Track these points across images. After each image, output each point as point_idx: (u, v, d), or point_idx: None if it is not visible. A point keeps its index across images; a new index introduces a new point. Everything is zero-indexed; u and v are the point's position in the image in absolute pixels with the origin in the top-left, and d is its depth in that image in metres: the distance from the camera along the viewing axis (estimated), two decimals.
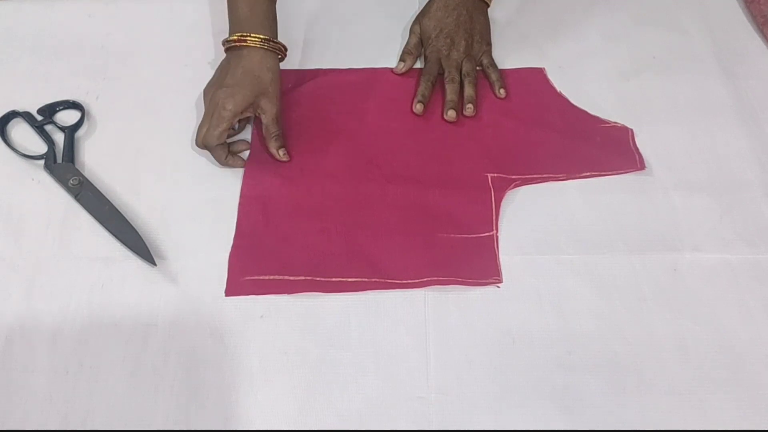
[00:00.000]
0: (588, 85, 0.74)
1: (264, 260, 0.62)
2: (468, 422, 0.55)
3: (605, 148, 0.68)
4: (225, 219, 0.64)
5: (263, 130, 0.67)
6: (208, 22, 0.78)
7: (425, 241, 0.63)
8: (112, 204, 0.64)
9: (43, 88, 0.72)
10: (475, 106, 0.70)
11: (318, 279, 0.61)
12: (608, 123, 0.70)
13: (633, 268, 0.62)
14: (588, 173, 0.67)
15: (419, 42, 0.75)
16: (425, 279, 0.60)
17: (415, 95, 0.71)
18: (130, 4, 0.80)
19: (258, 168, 0.67)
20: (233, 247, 0.62)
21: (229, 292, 0.60)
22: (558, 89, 0.73)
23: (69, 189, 0.65)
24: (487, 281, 0.60)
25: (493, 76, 0.73)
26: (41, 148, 0.68)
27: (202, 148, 0.66)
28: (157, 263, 0.61)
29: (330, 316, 0.59)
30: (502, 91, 0.72)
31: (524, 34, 0.78)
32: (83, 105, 0.71)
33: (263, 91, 0.65)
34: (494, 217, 0.64)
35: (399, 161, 0.68)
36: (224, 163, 0.66)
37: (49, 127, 0.69)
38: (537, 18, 0.80)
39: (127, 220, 0.63)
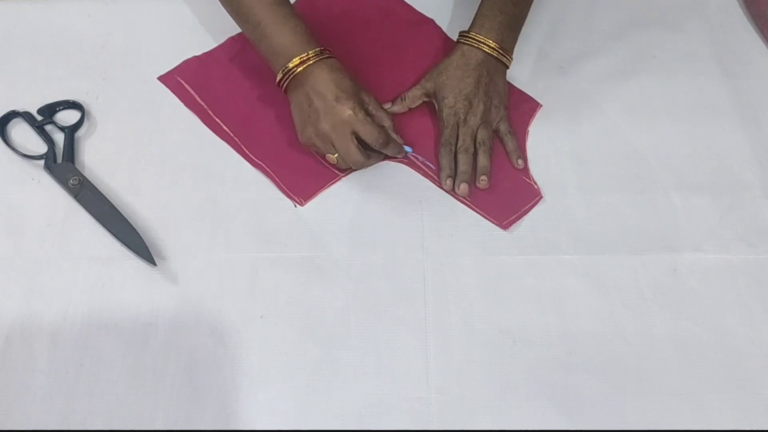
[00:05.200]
0: (588, 85, 0.74)
1: (208, 85, 0.72)
2: (468, 422, 0.55)
3: (500, 195, 0.66)
4: (225, 219, 0.64)
5: (375, 120, 0.65)
6: (208, 22, 0.78)
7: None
8: (112, 204, 0.64)
9: (43, 88, 0.72)
10: (489, 178, 0.66)
11: (234, 137, 0.69)
12: (529, 178, 0.67)
13: (633, 268, 0.62)
14: (465, 199, 0.66)
15: (424, 96, 0.70)
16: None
17: (440, 169, 0.67)
18: (130, 4, 0.80)
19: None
20: (200, 55, 0.74)
21: (161, 77, 0.73)
22: (528, 128, 0.71)
23: (69, 189, 0.65)
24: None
25: (510, 145, 0.68)
26: (41, 148, 0.68)
27: (364, 164, 0.65)
28: (157, 263, 0.61)
29: (330, 316, 0.59)
30: (520, 161, 0.67)
31: (524, 34, 0.78)
32: (83, 105, 0.71)
33: (356, 85, 0.64)
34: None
35: None
36: (399, 151, 0.66)
37: (49, 127, 0.69)
38: (537, 18, 0.80)
39: (127, 220, 0.63)
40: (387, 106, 0.71)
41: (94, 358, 0.57)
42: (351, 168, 0.66)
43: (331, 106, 0.62)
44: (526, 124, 0.71)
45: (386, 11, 0.80)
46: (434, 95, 0.70)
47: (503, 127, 0.69)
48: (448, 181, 0.66)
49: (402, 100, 0.71)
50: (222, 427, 0.54)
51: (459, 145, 0.67)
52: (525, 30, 0.78)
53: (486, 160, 0.67)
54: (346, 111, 0.62)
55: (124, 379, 0.56)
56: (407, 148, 0.67)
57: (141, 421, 0.55)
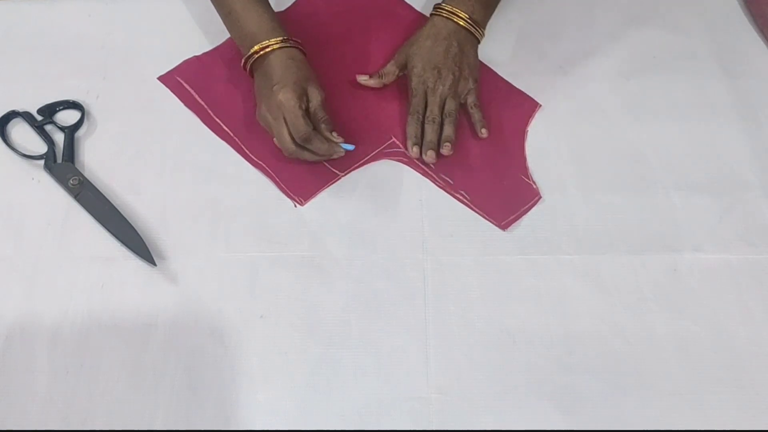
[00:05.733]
0: (588, 85, 0.74)
1: (208, 85, 0.72)
2: (468, 422, 0.55)
3: (500, 195, 0.66)
4: (225, 219, 0.64)
5: (311, 117, 0.64)
6: (209, 22, 0.78)
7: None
8: (112, 204, 0.64)
9: (43, 88, 0.72)
10: (453, 145, 0.67)
11: (234, 137, 0.69)
12: (529, 178, 0.67)
13: (633, 268, 0.62)
14: (464, 198, 0.66)
15: (397, 70, 0.71)
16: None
17: (406, 137, 0.68)
18: (130, 3, 0.80)
19: None
20: (200, 55, 0.75)
21: (161, 78, 0.73)
22: (527, 128, 0.71)
23: (69, 189, 0.65)
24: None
25: (476, 116, 0.69)
26: (41, 148, 0.68)
27: (296, 153, 0.64)
28: (157, 263, 0.61)
29: (330, 316, 0.59)
30: (484, 131, 0.68)
31: (524, 34, 0.78)
32: (83, 105, 0.71)
33: (306, 77, 0.65)
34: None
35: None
36: (327, 151, 0.65)
37: (49, 127, 0.69)
38: (537, 18, 0.80)
39: (127, 220, 0.63)
40: (363, 78, 0.72)
41: (94, 358, 0.57)
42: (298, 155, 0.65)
43: (269, 89, 0.63)
44: (526, 124, 0.71)
45: (386, 11, 0.80)
46: (405, 66, 0.71)
47: (470, 100, 0.70)
48: (414, 149, 0.67)
49: (379, 76, 0.72)
50: (222, 427, 0.54)
51: (426, 115, 0.68)
52: (525, 30, 0.78)
53: (451, 130, 0.68)
54: (278, 97, 0.62)
55: (124, 379, 0.56)
56: (348, 146, 0.65)
57: (141, 421, 0.55)
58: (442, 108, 0.69)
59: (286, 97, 0.62)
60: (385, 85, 0.72)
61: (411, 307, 0.60)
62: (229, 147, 0.69)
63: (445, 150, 0.67)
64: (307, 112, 0.64)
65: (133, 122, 0.70)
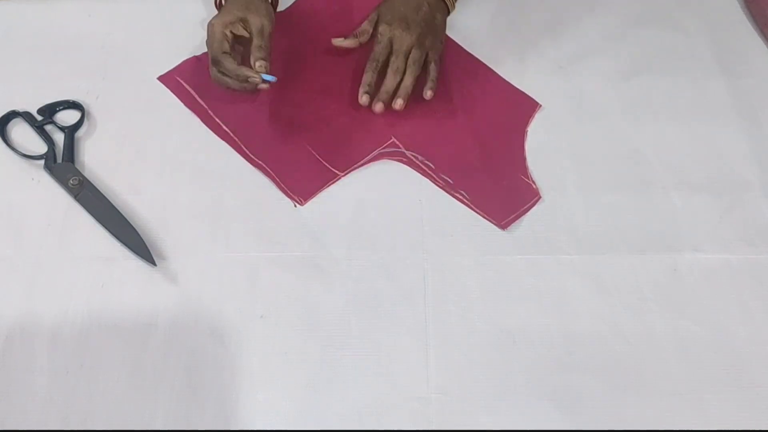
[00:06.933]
0: (588, 85, 0.74)
1: (208, 85, 0.70)
2: (468, 422, 0.55)
3: (499, 194, 0.66)
4: (225, 219, 0.64)
5: (250, 45, 0.66)
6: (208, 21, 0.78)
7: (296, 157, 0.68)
8: (112, 204, 0.64)
9: (43, 88, 0.72)
10: (406, 100, 0.67)
11: (234, 137, 0.69)
12: (528, 178, 0.67)
13: (633, 268, 0.62)
14: (464, 198, 0.66)
15: (370, 28, 0.72)
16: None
17: (360, 84, 0.68)
18: (130, 3, 0.80)
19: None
20: (200, 55, 0.74)
21: (161, 77, 0.73)
22: (527, 128, 0.71)
23: (69, 189, 0.65)
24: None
25: (432, 74, 0.69)
26: (41, 148, 0.68)
27: (216, 78, 0.67)
28: (157, 263, 0.61)
29: (330, 316, 0.59)
30: (429, 93, 0.68)
31: (524, 34, 0.78)
32: (83, 105, 0.71)
33: (250, 8, 0.66)
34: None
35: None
36: (239, 73, 0.65)
37: (49, 127, 0.69)
38: (537, 18, 0.80)
39: (127, 220, 0.63)
40: (339, 41, 0.73)
41: (94, 358, 0.57)
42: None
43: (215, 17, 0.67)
44: (526, 124, 0.71)
45: None
46: (376, 22, 0.72)
47: (432, 54, 0.70)
48: (365, 98, 0.67)
49: (354, 36, 0.73)
50: (222, 427, 0.54)
51: (391, 63, 0.68)
52: (525, 30, 0.78)
53: (410, 80, 0.68)
54: (213, 24, 0.66)
55: (124, 379, 0.56)
56: (269, 77, 0.65)
57: (141, 421, 0.55)
58: (406, 59, 0.68)
59: (211, 22, 0.66)
60: (361, 45, 0.73)
61: (411, 307, 0.60)
62: (229, 147, 0.69)
63: (397, 105, 0.67)
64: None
65: (133, 122, 0.70)
